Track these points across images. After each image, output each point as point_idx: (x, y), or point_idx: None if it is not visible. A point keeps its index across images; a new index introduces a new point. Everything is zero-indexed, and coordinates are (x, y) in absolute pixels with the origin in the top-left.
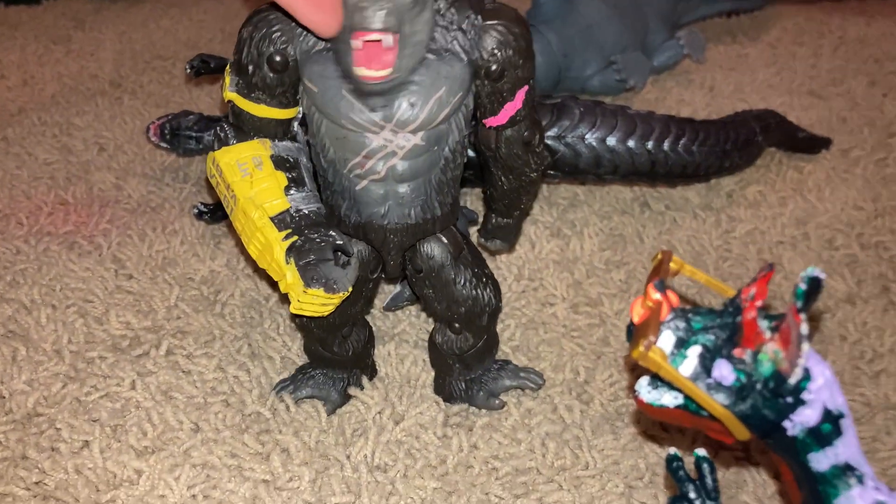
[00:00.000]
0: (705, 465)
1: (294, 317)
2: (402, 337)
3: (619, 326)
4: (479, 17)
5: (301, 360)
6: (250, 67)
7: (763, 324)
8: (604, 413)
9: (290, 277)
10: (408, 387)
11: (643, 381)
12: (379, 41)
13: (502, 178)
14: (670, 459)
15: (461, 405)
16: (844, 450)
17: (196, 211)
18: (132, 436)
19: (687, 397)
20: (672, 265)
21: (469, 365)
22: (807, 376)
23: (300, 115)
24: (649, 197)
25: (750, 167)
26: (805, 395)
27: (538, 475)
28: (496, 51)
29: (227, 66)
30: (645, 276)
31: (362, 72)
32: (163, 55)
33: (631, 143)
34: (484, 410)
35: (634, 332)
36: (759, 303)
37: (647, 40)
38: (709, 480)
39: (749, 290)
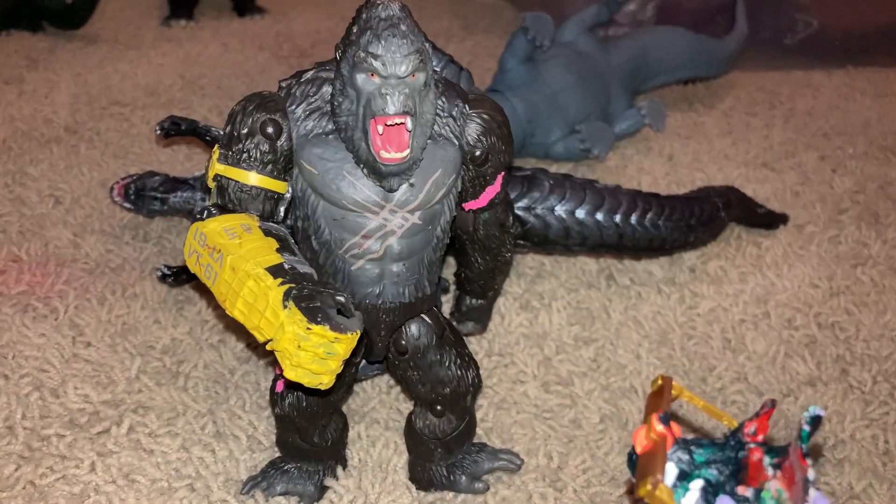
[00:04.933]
0: None
1: (273, 405)
2: (373, 416)
3: (589, 408)
4: (466, 105)
5: (268, 440)
6: (243, 132)
7: (766, 460)
8: (578, 501)
9: (286, 322)
10: (380, 472)
11: None
12: (401, 124)
13: (479, 260)
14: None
15: (436, 493)
16: None
17: (160, 273)
18: None
19: None
20: (672, 391)
21: (451, 449)
22: None
23: (288, 197)
24: (614, 269)
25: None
26: None
27: None
28: (482, 137)
29: (215, 147)
30: (613, 355)
31: (384, 155)
32: (121, 101)
33: (599, 216)
34: (459, 499)
35: (639, 465)
36: (760, 437)
37: (609, 107)
38: None
39: (750, 425)
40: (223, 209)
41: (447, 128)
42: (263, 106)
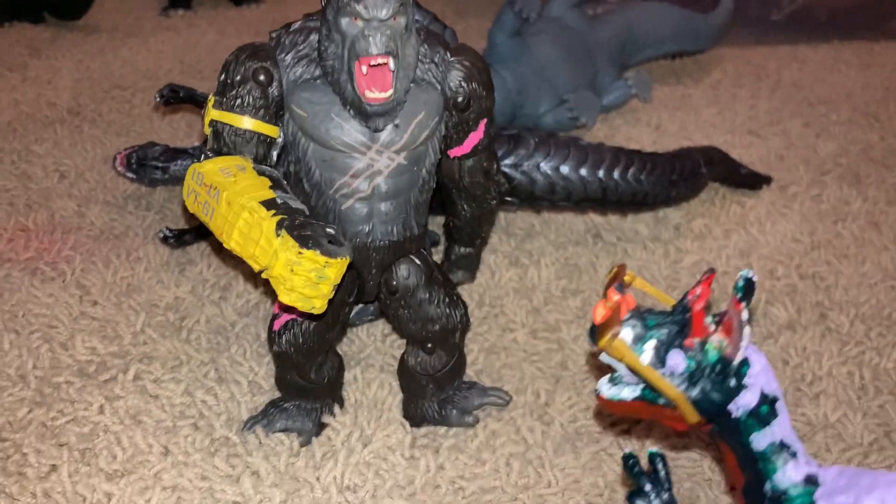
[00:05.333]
0: (658, 460)
1: (271, 343)
2: (368, 361)
3: (576, 351)
4: (448, 53)
5: (268, 384)
6: (237, 80)
7: (708, 319)
8: (564, 434)
9: (280, 249)
10: (375, 410)
11: (603, 380)
12: (384, 64)
13: (465, 207)
14: (626, 458)
15: (428, 428)
16: (780, 429)
17: (162, 235)
18: (101, 459)
19: (643, 388)
20: (626, 277)
21: (442, 385)
22: (747, 363)
23: (280, 142)
24: (601, 228)
25: (695, 200)
26: (746, 381)
27: (503, 494)
28: (463, 83)
29: (210, 97)
30: None
31: (368, 94)
32: (122, 85)
33: (583, 172)
34: (450, 433)
35: (598, 328)
36: (703, 301)
37: (596, 81)
38: (661, 473)
39: (695, 291)
40: (219, 153)
41: (429, 73)
42: (255, 55)
